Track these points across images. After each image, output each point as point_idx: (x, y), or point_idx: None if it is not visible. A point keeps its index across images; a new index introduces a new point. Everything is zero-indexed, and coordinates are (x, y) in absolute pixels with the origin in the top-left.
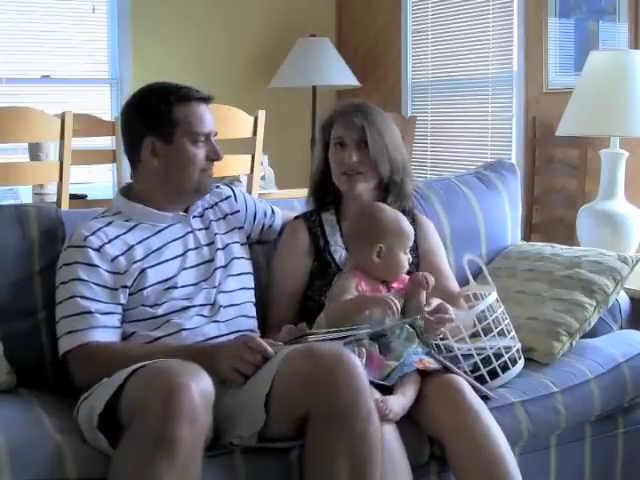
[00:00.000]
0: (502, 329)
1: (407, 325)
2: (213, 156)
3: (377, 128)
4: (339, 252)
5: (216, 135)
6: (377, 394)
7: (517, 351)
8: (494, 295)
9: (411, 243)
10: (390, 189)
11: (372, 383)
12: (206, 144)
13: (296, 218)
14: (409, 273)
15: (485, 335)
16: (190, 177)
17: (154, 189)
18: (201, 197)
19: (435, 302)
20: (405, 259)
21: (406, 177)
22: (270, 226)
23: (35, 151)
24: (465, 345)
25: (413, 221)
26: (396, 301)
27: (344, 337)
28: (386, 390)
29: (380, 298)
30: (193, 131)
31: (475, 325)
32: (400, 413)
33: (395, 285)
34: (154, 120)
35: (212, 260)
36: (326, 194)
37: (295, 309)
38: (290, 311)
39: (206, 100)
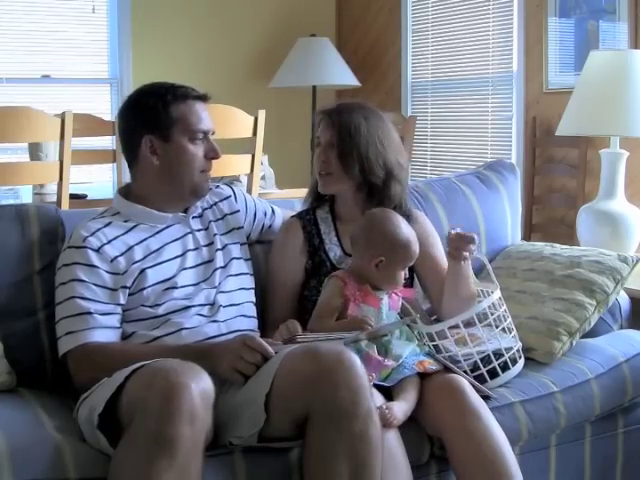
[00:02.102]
0: (504, 327)
1: (405, 326)
2: (212, 154)
3: (350, 128)
4: (334, 251)
5: (214, 134)
6: (380, 399)
7: (517, 351)
8: (497, 293)
9: (412, 262)
10: (373, 191)
11: (374, 385)
12: (204, 142)
13: (292, 217)
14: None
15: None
16: (190, 176)
17: (153, 189)
18: (199, 199)
19: (458, 229)
20: (402, 275)
21: (392, 180)
22: (270, 226)
23: (35, 151)
24: (465, 349)
25: (408, 218)
26: (371, 322)
27: (342, 337)
28: (385, 391)
29: (355, 323)
30: (191, 129)
31: (476, 323)
32: (403, 419)
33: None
34: (152, 119)
35: (211, 261)
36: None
37: (292, 307)
38: (287, 309)
39: (203, 98)
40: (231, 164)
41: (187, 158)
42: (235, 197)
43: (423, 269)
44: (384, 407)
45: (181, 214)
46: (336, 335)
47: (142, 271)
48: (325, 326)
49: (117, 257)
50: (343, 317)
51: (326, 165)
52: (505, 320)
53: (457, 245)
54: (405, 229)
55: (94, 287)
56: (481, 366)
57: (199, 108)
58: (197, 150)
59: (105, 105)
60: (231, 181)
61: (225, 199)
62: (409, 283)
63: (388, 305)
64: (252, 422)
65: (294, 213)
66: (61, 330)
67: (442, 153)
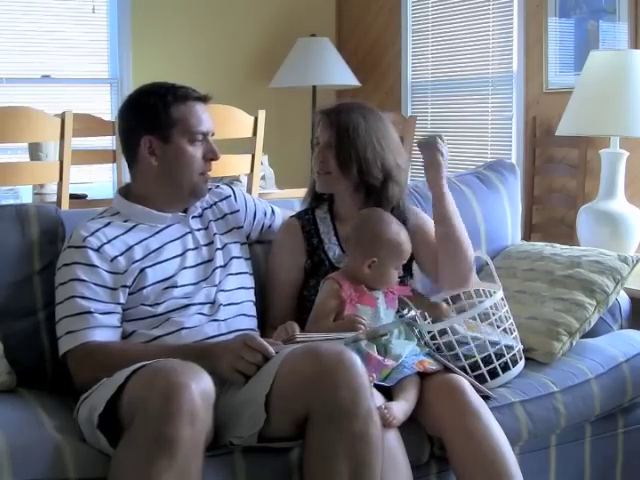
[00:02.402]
0: (505, 328)
1: (404, 324)
2: (211, 156)
3: (349, 128)
4: (333, 250)
5: (213, 135)
6: (380, 400)
7: (518, 352)
8: (500, 293)
9: (404, 261)
10: (371, 192)
11: (374, 385)
12: (203, 144)
13: (291, 217)
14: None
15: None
16: (188, 178)
17: (152, 190)
18: (198, 200)
19: None
20: (395, 274)
21: (390, 181)
22: (270, 226)
23: (35, 151)
24: (468, 333)
25: (407, 217)
26: (364, 321)
27: (342, 337)
28: (385, 390)
29: (349, 324)
30: (191, 130)
31: (477, 322)
32: (403, 419)
33: (393, 290)
34: (152, 119)
35: (211, 260)
36: (322, 193)
37: (292, 307)
38: (287, 309)
39: (203, 99)
40: (231, 164)
41: (186, 160)
42: (235, 197)
43: (422, 253)
44: (384, 407)
45: (181, 214)
46: (335, 335)
47: (142, 270)
48: (322, 328)
49: (117, 257)
50: (341, 319)
51: (324, 165)
52: (507, 321)
53: (427, 143)
54: (396, 228)
55: (94, 286)
56: (482, 366)
57: (199, 109)
58: (196, 152)
59: (105, 105)
60: (231, 181)
61: (225, 199)
62: (405, 281)
63: (385, 304)
64: (252, 422)
65: (294, 213)
66: (61, 330)
67: None
